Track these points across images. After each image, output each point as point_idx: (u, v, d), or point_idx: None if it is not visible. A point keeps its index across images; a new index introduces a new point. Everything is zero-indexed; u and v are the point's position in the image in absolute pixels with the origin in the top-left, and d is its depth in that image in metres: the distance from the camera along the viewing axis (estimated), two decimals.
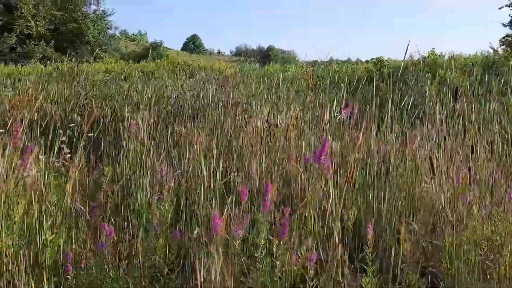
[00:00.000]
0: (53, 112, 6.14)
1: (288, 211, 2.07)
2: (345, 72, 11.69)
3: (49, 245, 2.10)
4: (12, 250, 1.93)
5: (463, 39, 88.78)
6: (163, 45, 36.72)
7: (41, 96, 7.40)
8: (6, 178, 2.12)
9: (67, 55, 21.92)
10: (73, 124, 4.46)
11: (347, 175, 2.10)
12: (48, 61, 18.47)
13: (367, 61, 15.71)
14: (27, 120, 6.28)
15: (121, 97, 6.82)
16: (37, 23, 22.48)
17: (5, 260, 1.95)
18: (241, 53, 63.33)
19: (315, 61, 17.30)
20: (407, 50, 3.24)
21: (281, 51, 61.88)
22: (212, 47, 68.03)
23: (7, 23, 21.79)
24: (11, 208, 2.00)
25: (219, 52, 68.63)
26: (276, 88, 6.53)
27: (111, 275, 1.88)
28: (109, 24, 26.31)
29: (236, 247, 1.88)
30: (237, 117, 3.83)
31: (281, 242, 1.85)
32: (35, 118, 6.98)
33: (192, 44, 66.06)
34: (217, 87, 6.53)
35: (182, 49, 62.40)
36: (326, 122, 4.23)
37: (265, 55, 52.84)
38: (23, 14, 21.76)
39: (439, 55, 10.51)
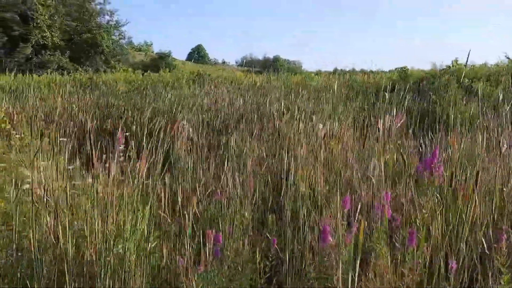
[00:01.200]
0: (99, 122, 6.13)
1: (399, 219, 2.06)
2: (366, 82, 11.72)
3: (157, 252, 2.09)
4: (134, 256, 1.92)
5: (467, 42, 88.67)
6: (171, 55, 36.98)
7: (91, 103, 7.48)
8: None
9: (82, 65, 22.12)
10: (128, 133, 4.48)
11: (461, 187, 2.08)
12: (65, 71, 18.63)
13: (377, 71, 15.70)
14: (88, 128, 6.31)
15: (163, 107, 6.82)
16: (52, 33, 22.69)
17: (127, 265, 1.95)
18: (246, 63, 63.67)
19: (335, 70, 17.39)
20: (467, 58, 3.22)
21: (287, 61, 62.23)
22: (217, 57, 68.31)
23: (23, 34, 22.00)
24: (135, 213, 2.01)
25: (224, 62, 68.99)
26: (315, 98, 6.55)
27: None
28: (122, 34, 26.56)
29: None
30: (297, 127, 3.82)
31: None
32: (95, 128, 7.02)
33: (197, 54, 66.47)
34: (255, 97, 6.55)
35: (187, 59, 62.79)
36: (381, 131, 4.22)
37: (271, 65, 53.08)
38: (39, 25, 21.98)
39: (464, 65, 10.52)
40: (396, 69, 11.37)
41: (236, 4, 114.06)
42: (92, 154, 2.10)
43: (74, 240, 2.01)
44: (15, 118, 7.15)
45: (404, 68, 11.17)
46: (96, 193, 2.33)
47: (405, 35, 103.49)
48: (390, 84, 11.09)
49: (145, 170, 2.26)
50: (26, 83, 15.70)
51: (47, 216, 2.09)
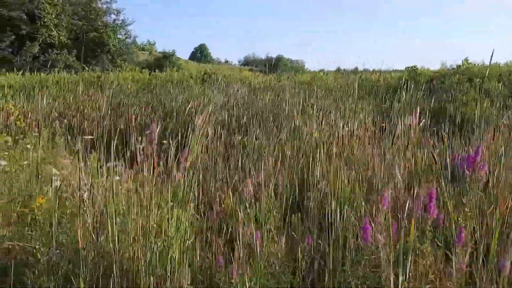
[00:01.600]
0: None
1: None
2: (376, 81, 11.68)
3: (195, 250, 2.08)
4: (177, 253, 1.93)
5: (468, 43, 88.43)
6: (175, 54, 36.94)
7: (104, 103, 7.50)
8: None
9: (88, 64, 22.16)
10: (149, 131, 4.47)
11: None
12: (72, 70, 18.67)
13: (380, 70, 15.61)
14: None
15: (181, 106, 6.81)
16: (59, 32, 22.73)
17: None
18: (249, 62, 63.66)
19: (338, 69, 17.30)
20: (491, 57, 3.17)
21: (290, 61, 62.20)
22: (219, 56, 68.40)
23: (30, 33, 22.05)
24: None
25: (227, 61, 68.99)
26: (328, 96, 6.53)
27: None
28: (128, 33, 26.59)
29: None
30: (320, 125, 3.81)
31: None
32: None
33: (200, 54, 66.46)
34: (270, 96, 6.54)
35: (190, 58, 62.88)
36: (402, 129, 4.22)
37: (274, 64, 52.99)
38: (46, 24, 22.02)
39: (474, 64, 10.48)
40: (406, 68, 11.32)
41: (238, 3, 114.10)
42: (136, 152, 2.10)
43: (117, 238, 2.00)
44: (29, 116, 7.17)
45: (414, 67, 11.13)
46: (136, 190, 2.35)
47: (407, 35, 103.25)
48: (400, 84, 11.10)
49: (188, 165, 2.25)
50: (35, 81, 15.74)
51: (88, 213, 2.09)
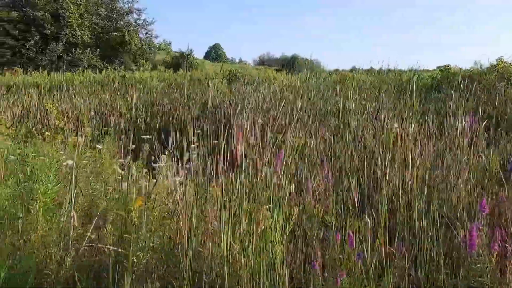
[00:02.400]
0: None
1: None
2: (406, 81, 11.48)
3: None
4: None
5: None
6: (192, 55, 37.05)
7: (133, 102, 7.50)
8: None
9: (111, 64, 22.34)
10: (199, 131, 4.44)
11: None
12: (98, 69, 18.84)
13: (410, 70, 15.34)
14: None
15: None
16: (82, 32, 22.96)
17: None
18: (264, 62, 63.61)
19: (353, 69, 17.05)
20: None
21: (305, 60, 61.98)
22: (234, 56, 68.65)
23: (54, 32, 22.32)
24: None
25: (241, 61, 69.07)
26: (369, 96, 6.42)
27: None
28: (149, 32, 26.75)
29: None
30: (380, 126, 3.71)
31: None
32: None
33: (214, 53, 66.64)
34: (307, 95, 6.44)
35: (204, 57, 63.19)
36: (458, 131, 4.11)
37: (289, 64, 52.89)
38: (69, 23, 22.27)
39: (510, 64, 10.22)
40: (438, 67, 11.11)
41: (248, 2, 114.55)
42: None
43: (225, 242, 1.95)
44: (66, 115, 7.21)
45: (447, 66, 10.91)
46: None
47: (420, 34, 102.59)
48: (432, 83, 10.90)
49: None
50: (62, 80, 15.91)
51: (181, 217, 2.03)
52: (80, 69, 20.20)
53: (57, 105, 7.34)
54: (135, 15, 25.98)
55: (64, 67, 20.86)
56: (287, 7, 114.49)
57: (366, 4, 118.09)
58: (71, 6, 22.20)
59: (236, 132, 4.84)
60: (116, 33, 23.96)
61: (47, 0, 21.96)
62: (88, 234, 2.23)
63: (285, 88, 8.15)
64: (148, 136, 4.78)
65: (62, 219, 2.39)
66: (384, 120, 3.63)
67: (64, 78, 16.09)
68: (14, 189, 2.64)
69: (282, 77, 14.14)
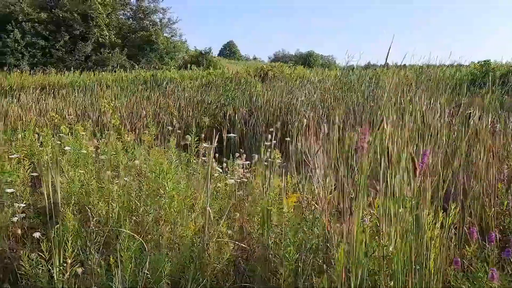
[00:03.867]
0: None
1: None
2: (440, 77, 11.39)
3: None
4: None
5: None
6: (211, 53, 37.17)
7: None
8: None
9: (138, 63, 22.61)
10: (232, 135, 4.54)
11: None
12: (123, 68, 19.10)
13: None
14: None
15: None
16: (110, 32, 23.29)
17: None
18: (279, 59, 63.48)
19: (367, 65, 16.85)
20: None
21: (320, 56, 61.75)
22: (247, 53, 68.65)
23: (82, 32, 22.69)
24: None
25: (255, 59, 69.00)
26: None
27: None
28: (174, 31, 26.99)
29: None
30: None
31: None
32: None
33: (228, 51, 66.71)
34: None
35: (219, 55, 63.40)
36: None
37: (305, 60, 52.71)
38: (98, 24, 22.61)
39: None
40: (478, 62, 11.00)
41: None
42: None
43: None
44: (120, 114, 7.36)
45: (487, 61, 10.81)
46: None
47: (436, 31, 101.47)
48: (473, 78, 10.80)
49: None
50: (94, 80, 16.18)
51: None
52: (110, 68, 20.53)
53: (112, 104, 7.49)
54: (160, 14, 26.30)
55: (92, 67, 21.20)
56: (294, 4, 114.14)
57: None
58: (99, 6, 22.53)
59: (304, 130, 4.90)
60: (142, 32, 24.23)
61: (76, 1, 22.32)
62: (224, 229, 2.33)
63: (330, 85, 8.18)
64: (233, 135, 4.89)
65: (192, 215, 2.50)
66: (469, 117, 3.65)
67: (97, 77, 16.37)
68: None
69: (315, 73, 14.12)
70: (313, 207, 2.22)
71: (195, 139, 3.62)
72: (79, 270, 1.94)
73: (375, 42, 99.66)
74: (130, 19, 25.90)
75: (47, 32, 21.86)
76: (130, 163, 3.26)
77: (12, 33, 20.85)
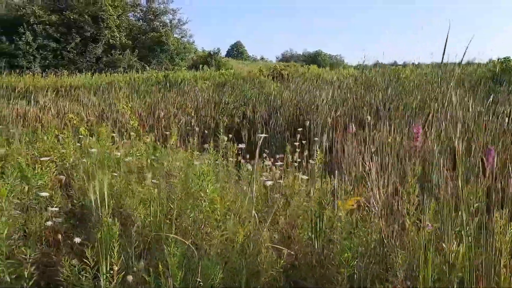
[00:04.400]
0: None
1: None
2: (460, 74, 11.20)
3: None
4: None
5: None
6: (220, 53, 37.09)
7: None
8: None
9: (149, 64, 22.61)
10: (263, 135, 4.45)
11: None
12: (133, 70, 19.09)
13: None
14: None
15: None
16: (120, 33, 23.32)
17: None
18: (287, 58, 63.41)
19: (376, 64, 16.60)
20: None
21: (329, 56, 61.63)
22: (255, 53, 68.68)
23: (93, 34, 22.73)
24: None
25: (263, 59, 68.95)
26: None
27: None
28: (184, 32, 26.98)
29: None
30: None
31: None
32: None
33: (236, 51, 66.66)
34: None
35: (227, 55, 63.49)
36: None
37: (312, 60, 52.62)
38: (108, 25, 22.63)
39: None
40: (498, 59, 10.81)
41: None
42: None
43: None
44: (140, 116, 7.31)
45: (507, 58, 10.61)
46: None
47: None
48: (492, 75, 10.60)
49: None
50: (106, 81, 16.17)
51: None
52: (121, 69, 20.54)
53: (129, 105, 7.43)
54: (170, 15, 26.29)
55: (103, 68, 21.23)
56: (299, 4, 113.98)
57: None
58: (110, 8, 22.57)
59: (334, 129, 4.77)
60: (153, 33, 24.23)
61: (87, 2, 22.37)
62: (270, 235, 2.23)
63: (351, 83, 8.05)
64: (264, 135, 4.79)
65: (234, 220, 2.40)
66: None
67: (109, 79, 16.36)
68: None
69: (332, 72, 13.97)
70: (366, 211, 2.11)
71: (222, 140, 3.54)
72: (129, 278, 1.84)
73: (377, 42, 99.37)
74: (141, 20, 25.92)
75: (58, 34, 21.92)
76: (166, 165, 3.17)
77: (23, 36, 20.94)
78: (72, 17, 21.89)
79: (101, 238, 1.91)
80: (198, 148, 4.88)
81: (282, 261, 1.94)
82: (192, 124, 7.33)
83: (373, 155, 2.32)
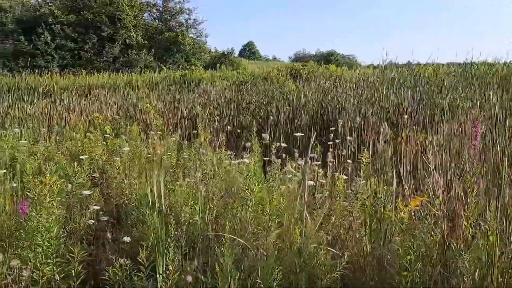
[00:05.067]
0: None
1: None
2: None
3: None
4: None
5: None
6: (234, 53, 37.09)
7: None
8: None
9: (165, 64, 22.69)
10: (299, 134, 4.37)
11: None
12: (156, 69, 19.16)
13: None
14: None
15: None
16: (137, 33, 23.45)
17: None
18: (300, 58, 63.18)
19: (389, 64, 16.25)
20: None
21: (342, 56, 61.30)
22: (267, 53, 68.58)
23: (110, 34, 22.89)
24: None
25: (275, 59, 68.82)
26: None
27: None
28: (200, 32, 27.04)
29: None
30: None
31: None
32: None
33: (248, 51, 66.65)
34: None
35: (239, 55, 63.48)
36: None
37: (326, 60, 52.36)
38: (125, 25, 22.77)
39: None
40: None
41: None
42: None
43: None
44: (161, 114, 7.30)
45: None
46: None
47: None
48: None
49: None
50: (125, 81, 16.25)
51: None
52: (138, 69, 20.64)
53: (154, 104, 7.44)
54: (186, 15, 26.37)
55: (119, 68, 21.36)
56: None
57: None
58: (127, 8, 22.70)
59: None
60: (169, 33, 24.32)
61: (104, 3, 22.54)
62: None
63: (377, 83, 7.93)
64: (300, 134, 4.72)
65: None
66: None
67: (128, 78, 16.44)
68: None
69: (352, 71, 13.79)
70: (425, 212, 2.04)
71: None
72: (189, 279, 1.80)
73: (383, 41, 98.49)
74: (157, 20, 26.04)
75: (76, 34, 22.11)
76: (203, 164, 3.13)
77: (42, 36, 21.16)
78: (89, 17, 22.07)
79: (157, 237, 1.87)
80: (225, 147, 4.84)
81: (342, 262, 1.88)
82: (216, 123, 7.29)
83: (436, 154, 2.24)
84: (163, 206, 2.03)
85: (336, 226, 2.40)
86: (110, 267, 2.21)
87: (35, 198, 2.13)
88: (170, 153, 4.23)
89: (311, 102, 7.28)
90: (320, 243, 2.01)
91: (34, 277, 2.05)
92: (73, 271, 2.22)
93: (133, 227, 2.75)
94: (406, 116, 4.40)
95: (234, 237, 1.92)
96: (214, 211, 2.65)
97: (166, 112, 7.34)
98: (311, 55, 63.43)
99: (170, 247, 1.87)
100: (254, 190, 2.41)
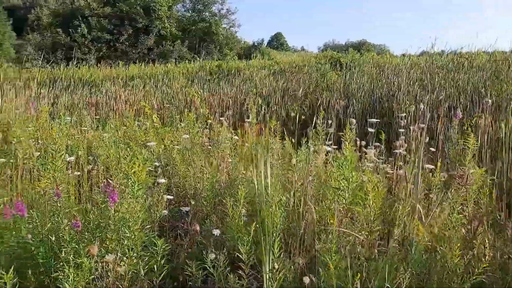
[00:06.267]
0: None
1: None
2: None
3: None
4: None
5: None
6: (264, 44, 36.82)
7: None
8: None
9: (199, 54, 22.63)
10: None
11: None
12: (190, 60, 19.09)
13: None
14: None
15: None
16: (171, 24, 23.45)
17: None
18: (329, 49, 62.02)
19: (422, 53, 15.42)
20: None
21: (372, 45, 60.04)
22: (295, 44, 67.73)
23: (145, 26, 22.98)
24: None
25: (304, 49, 67.95)
26: None
27: None
28: (233, 22, 26.80)
29: None
30: None
31: None
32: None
33: (276, 42, 66.01)
34: None
35: (267, 46, 62.90)
36: None
37: (357, 50, 51.20)
38: (159, 16, 22.79)
39: None
40: None
41: None
42: None
43: None
44: (212, 103, 7.15)
45: None
46: None
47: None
48: None
49: None
50: (162, 72, 16.23)
51: None
52: (172, 60, 20.64)
53: (199, 92, 7.30)
54: (218, 5, 26.18)
55: (154, 59, 21.42)
56: None
57: None
58: None
59: None
60: (202, 24, 24.22)
61: None
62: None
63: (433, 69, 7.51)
64: (375, 120, 4.46)
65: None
66: None
67: (165, 69, 16.41)
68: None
69: (402, 58, 13.25)
70: None
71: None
72: (306, 280, 1.58)
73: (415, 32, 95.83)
74: (190, 11, 25.95)
75: (112, 26, 22.29)
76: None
77: (79, 28, 21.44)
78: (124, 8, 22.19)
79: (264, 230, 1.66)
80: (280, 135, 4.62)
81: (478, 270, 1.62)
82: (263, 112, 7.08)
83: None
84: (271, 197, 1.81)
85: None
86: (193, 262, 2.04)
87: (121, 186, 1.97)
88: (228, 142, 4.05)
89: (361, 91, 6.96)
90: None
91: (121, 272, 1.88)
92: (155, 266, 2.05)
93: (205, 219, 2.57)
94: (490, 100, 4.04)
95: (345, 230, 1.69)
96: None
97: (212, 101, 7.17)
98: (341, 45, 62.28)
99: (275, 242, 1.66)
100: (351, 179, 2.17)
